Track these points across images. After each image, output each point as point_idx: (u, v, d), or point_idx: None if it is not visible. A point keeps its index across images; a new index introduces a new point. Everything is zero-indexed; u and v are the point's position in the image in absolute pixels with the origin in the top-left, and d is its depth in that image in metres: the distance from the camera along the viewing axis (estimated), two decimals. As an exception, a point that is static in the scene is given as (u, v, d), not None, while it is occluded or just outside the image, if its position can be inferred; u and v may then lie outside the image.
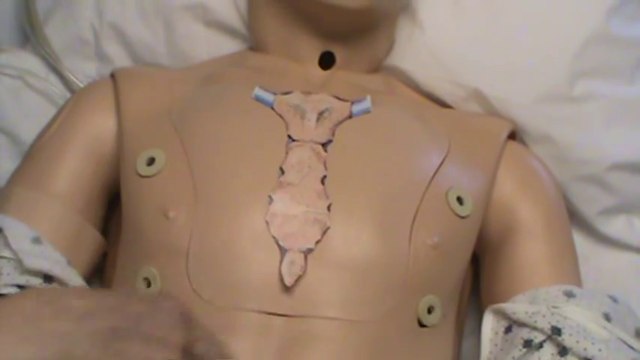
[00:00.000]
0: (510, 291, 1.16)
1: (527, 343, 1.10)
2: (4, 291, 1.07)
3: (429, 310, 1.10)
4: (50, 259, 1.10)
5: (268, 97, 1.16)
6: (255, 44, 1.31)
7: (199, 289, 1.05)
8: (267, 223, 1.06)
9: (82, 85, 1.34)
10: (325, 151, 1.12)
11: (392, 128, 1.17)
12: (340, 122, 1.14)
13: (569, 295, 1.13)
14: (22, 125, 1.33)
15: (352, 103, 1.17)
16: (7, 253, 1.09)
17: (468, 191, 1.15)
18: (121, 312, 0.92)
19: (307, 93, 1.18)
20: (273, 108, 1.15)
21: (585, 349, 1.07)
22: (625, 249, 1.34)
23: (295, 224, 1.06)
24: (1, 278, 1.07)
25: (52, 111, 1.28)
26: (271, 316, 1.04)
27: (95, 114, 1.21)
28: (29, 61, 1.38)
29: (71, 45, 1.38)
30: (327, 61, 1.25)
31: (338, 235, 1.07)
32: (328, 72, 1.25)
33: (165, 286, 1.06)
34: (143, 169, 1.13)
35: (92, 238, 1.17)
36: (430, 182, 1.13)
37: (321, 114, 1.15)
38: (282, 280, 1.04)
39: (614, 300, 1.15)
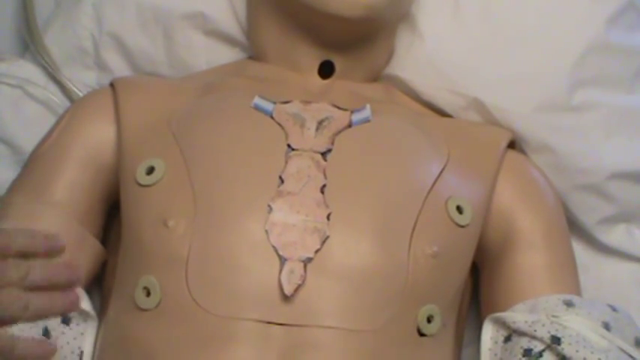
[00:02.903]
0: (510, 300, 1.16)
1: (527, 353, 1.10)
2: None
3: (429, 320, 1.10)
4: (49, 268, 1.10)
5: (268, 106, 1.16)
6: (255, 53, 1.31)
7: (199, 298, 1.05)
8: (266, 232, 1.06)
9: (81, 95, 1.34)
10: (325, 160, 1.12)
11: (391, 137, 1.17)
12: (340, 131, 1.14)
13: (569, 304, 1.13)
14: (21, 134, 1.33)
15: (352, 112, 1.17)
16: (6, 262, 1.09)
17: (467, 200, 1.15)
18: None
19: (307, 102, 1.18)
20: (272, 117, 1.15)
21: (585, 359, 1.07)
22: (625, 258, 1.34)
23: (295, 233, 1.06)
24: None
25: (51, 120, 1.28)
26: (271, 325, 1.04)
27: (94, 123, 1.21)
28: (29, 70, 1.38)
29: (71, 54, 1.38)
30: (326, 70, 1.25)
31: (337, 244, 1.07)
32: (328, 81, 1.25)
33: (165, 294, 1.06)
34: (143, 178, 1.12)
35: (92, 247, 1.17)
36: (430, 191, 1.13)
37: (320, 123, 1.15)
38: (281, 289, 1.04)
39: (614, 309, 1.14)
